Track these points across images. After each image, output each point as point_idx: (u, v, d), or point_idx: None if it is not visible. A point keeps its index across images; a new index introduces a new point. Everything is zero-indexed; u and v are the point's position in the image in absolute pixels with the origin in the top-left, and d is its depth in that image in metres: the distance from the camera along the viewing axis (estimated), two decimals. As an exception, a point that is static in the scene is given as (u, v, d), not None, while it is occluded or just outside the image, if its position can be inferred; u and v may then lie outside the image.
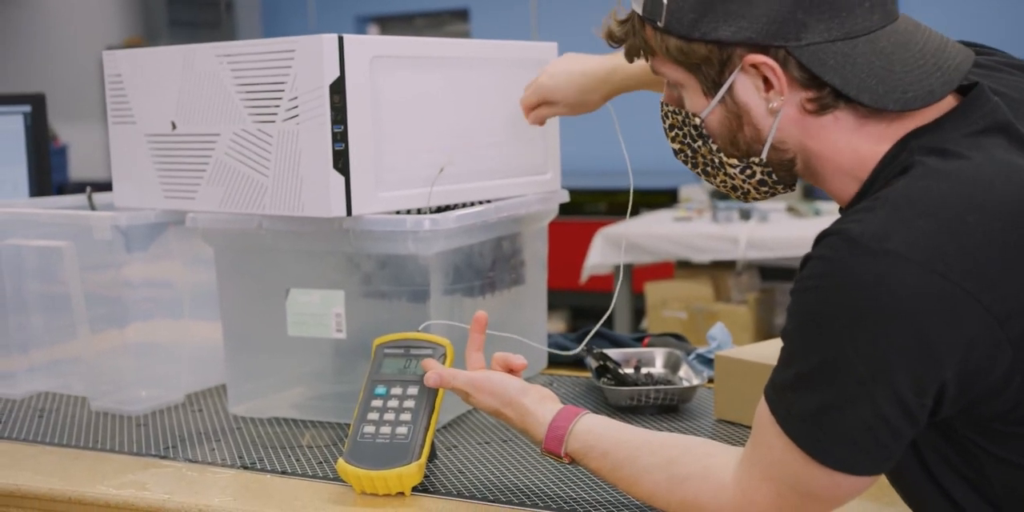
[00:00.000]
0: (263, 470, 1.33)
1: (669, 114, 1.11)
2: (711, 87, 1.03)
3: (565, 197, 1.74)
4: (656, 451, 1.09)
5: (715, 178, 1.11)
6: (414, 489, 1.24)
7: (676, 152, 1.13)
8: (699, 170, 1.12)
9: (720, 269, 4.40)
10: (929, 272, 0.87)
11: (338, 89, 1.38)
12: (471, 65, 1.58)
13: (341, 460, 1.24)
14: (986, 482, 0.97)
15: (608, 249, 4.18)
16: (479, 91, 1.58)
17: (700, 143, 1.08)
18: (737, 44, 0.99)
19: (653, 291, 4.50)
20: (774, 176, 1.07)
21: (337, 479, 1.28)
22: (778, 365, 0.97)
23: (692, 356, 1.71)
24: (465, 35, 7.47)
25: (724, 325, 1.75)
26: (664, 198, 5.40)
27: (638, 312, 4.72)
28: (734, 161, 1.07)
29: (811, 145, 1.02)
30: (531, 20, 7.04)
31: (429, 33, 7.80)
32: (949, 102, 1.00)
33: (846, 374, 0.89)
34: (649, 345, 1.78)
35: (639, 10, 1.04)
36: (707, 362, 1.68)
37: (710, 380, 1.60)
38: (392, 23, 7.95)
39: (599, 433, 1.14)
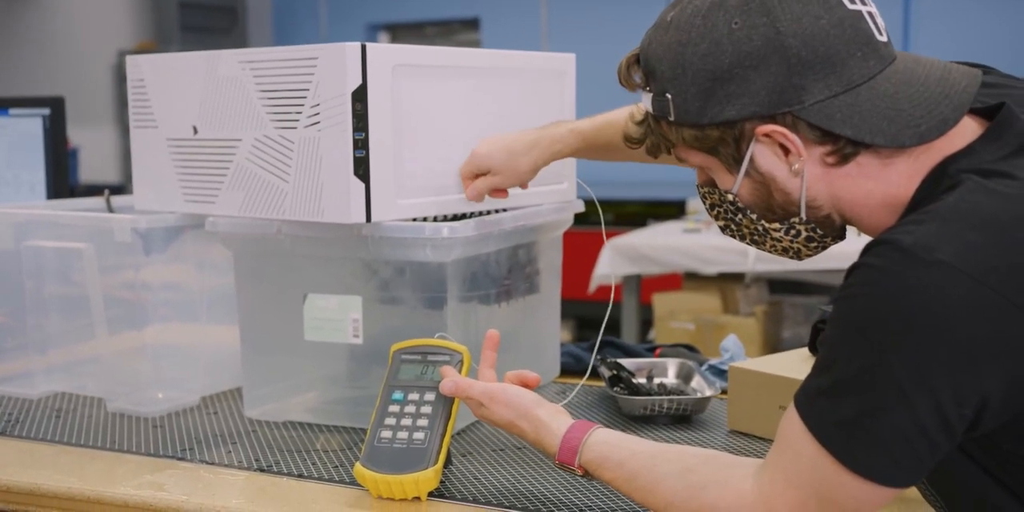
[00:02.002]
0: (279, 473, 1.34)
1: (707, 195, 1.14)
2: (733, 164, 1.07)
3: (580, 207, 1.76)
4: (673, 459, 1.09)
5: (764, 245, 1.14)
6: (430, 494, 1.25)
7: (723, 228, 1.16)
8: (748, 241, 1.15)
9: (728, 281, 4.41)
10: (979, 284, 0.88)
11: (360, 97, 1.39)
12: (491, 75, 1.59)
13: (358, 464, 1.25)
14: None
15: (617, 259, 4.19)
16: (498, 100, 1.60)
17: (740, 216, 1.11)
18: (745, 120, 1.02)
19: (661, 302, 4.51)
20: (819, 231, 1.09)
21: (353, 483, 1.29)
22: (813, 372, 0.97)
23: (704, 367, 1.72)
24: (475, 44, 7.50)
25: (736, 337, 1.75)
26: (672, 209, 5.41)
27: (646, 323, 4.72)
28: (776, 225, 1.10)
29: (843, 195, 1.05)
30: (541, 29, 7.06)
31: (439, 41, 7.82)
32: (974, 127, 1.02)
33: (888, 381, 0.90)
34: (661, 355, 1.79)
35: (651, 110, 1.09)
36: (719, 373, 1.69)
37: (723, 391, 1.60)
38: (402, 31, 7.97)
39: (614, 444, 1.15)
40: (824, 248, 1.13)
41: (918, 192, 1.00)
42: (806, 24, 0.99)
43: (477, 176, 1.52)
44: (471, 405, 1.26)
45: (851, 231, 1.13)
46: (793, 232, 1.10)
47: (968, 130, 1.01)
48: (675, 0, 1.07)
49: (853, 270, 0.96)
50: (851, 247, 1.09)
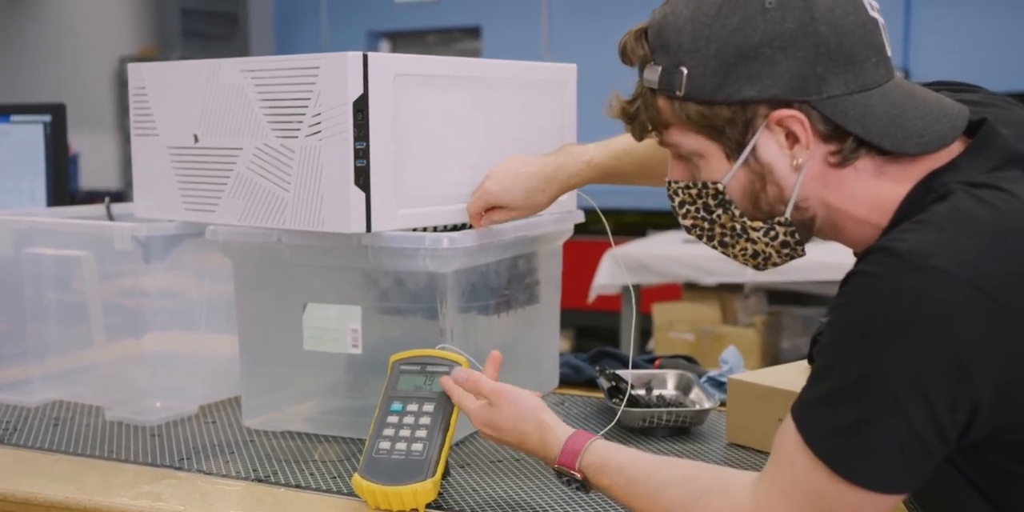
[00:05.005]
0: (276, 483, 1.34)
1: (679, 191, 1.12)
2: (734, 149, 1.06)
3: (580, 217, 1.76)
4: (674, 467, 1.10)
5: (734, 247, 1.13)
6: (427, 506, 1.24)
7: (690, 228, 1.14)
8: (715, 242, 1.14)
9: (728, 291, 4.41)
10: (974, 289, 0.89)
11: (361, 106, 1.39)
12: (492, 85, 1.59)
13: (356, 475, 1.25)
14: (1015, 507, 0.98)
15: (616, 269, 4.19)
16: (499, 110, 1.60)
17: (720, 212, 1.10)
18: (762, 102, 1.02)
19: (660, 312, 4.51)
20: (796, 236, 1.09)
21: (350, 494, 1.29)
22: (810, 381, 0.98)
23: (704, 379, 1.71)
24: (476, 52, 7.51)
25: (736, 348, 1.75)
26: (671, 219, 5.39)
27: (645, 333, 4.72)
28: (759, 224, 1.09)
29: (832, 200, 1.05)
30: (542, 38, 7.07)
31: (440, 50, 7.83)
32: (957, 144, 1.04)
33: (883, 388, 0.91)
34: (660, 367, 1.79)
35: (654, 84, 1.07)
36: (719, 385, 1.68)
37: (722, 403, 1.60)
38: (404, 39, 7.98)
39: (616, 449, 1.15)
40: (791, 258, 1.12)
41: (904, 204, 1.01)
42: (839, 16, 1.01)
43: (489, 208, 1.49)
44: (472, 413, 1.25)
45: (832, 244, 1.13)
46: (772, 234, 1.09)
47: (951, 146, 1.03)
48: None
49: (849, 277, 0.97)
50: (851, 259, 1.09)
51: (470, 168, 1.54)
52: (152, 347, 1.62)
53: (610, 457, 1.14)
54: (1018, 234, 0.92)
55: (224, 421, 1.62)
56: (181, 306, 1.66)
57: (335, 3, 7.90)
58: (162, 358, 1.63)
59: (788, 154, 1.04)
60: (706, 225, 1.12)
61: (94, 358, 1.65)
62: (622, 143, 1.48)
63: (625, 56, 1.11)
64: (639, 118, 1.11)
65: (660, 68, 1.06)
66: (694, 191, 1.10)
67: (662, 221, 5.44)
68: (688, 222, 1.14)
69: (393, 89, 1.42)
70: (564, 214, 1.71)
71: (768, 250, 1.11)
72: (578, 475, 1.15)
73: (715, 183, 1.08)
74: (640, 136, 1.14)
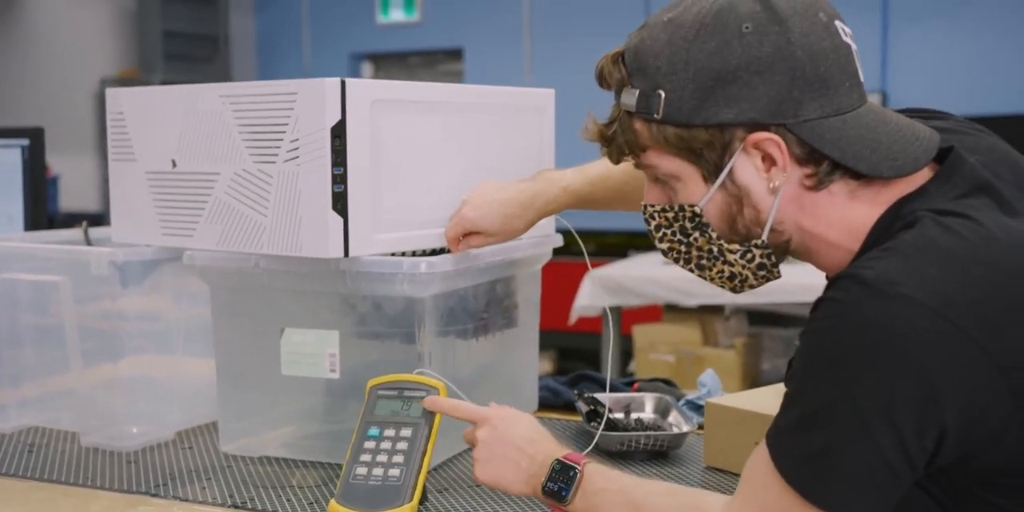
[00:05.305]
0: (253, 509, 1.33)
1: (655, 215, 1.13)
2: (712, 172, 1.06)
3: (559, 241, 1.76)
4: (656, 483, 1.14)
5: (711, 270, 1.13)
6: (405, 532, 1.24)
7: (666, 252, 1.15)
8: (692, 266, 1.14)
9: (708, 313, 4.42)
10: (940, 317, 0.90)
11: (339, 132, 1.39)
12: (471, 110, 1.60)
13: (333, 501, 1.25)
14: None
15: (597, 291, 4.20)
16: (478, 135, 1.60)
17: (696, 235, 1.10)
18: (739, 125, 1.03)
19: (641, 334, 4.52)
20: (772, 258, 1.10)
21: (327, 520, 1.28)
22: (782, 407, 0.99)
23: (682, 402, 1.72)
24: (458, 74, 7.53)
25: (714, 371, 1.76)
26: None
27: (626, 354, 4.73)
28: (735, 246, 1.09)
29: (806, 223, 1.06)
30: (524, 60, 7.11)
31: (423, 72, 7.86)
32: (925, 171, 1.05)
33: (851, 414, 0.91)
34: (639, 390, 1.79)
35: (631, 107, 1.07)
36: (697, 408, 1.69)
37: (700, 426, 1.61)
38: (386, 61, 8.01)
39: (609, 467, 1.17)
40: (767, 280, 1.13)
41: (874, 230, 1.03)
42: (813, 41, 1.02)
43: (467, 234, 1.49)
44: (468, 434, 1.25)
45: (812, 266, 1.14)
46: (749, 256, 1.10)
47: (922, 172, 1.04)
48: (673, 3, 1.08)
49: (818, 304, 0.98)
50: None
51: (448, 193, 1.54)
52: (129, 372, 1.61)
53: (606, 470, 1.16)
54: (983, 263, 0.93)
55: (201, 446, 1.61)
56: (158, 330, 1.65)
57: (317, 25, 7.92)
58: (139, 383, 1.63)
59: (765, 177, 1.05)
60: (683, 248, 1.13)
61: (70, 383, 1.64)
62: (598, 169, 1.49)
63: (602, 80, 1.12)
64: (616, 141, 1.12)
65: (638, 91, 1.07)
66: (671, 214, 1.11)
67: (643, 242, 5.45)
68: (665, 245, 1.14)
69: (371, 115, 1.43)
70: (542, 238, 1.72)
71: (745, 272, 1.11)
72: (579, 466, 1.15)
73: (692, 206, 1.09)
74: (617, 159, 1.15)
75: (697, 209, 1.09)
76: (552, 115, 1.73)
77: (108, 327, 1.61)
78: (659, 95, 1.05)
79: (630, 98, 1.07)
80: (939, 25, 5.82)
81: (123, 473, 1.48)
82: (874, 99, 1.07)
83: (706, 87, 1.02)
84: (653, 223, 1.14)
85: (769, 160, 1.04)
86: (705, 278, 1.15)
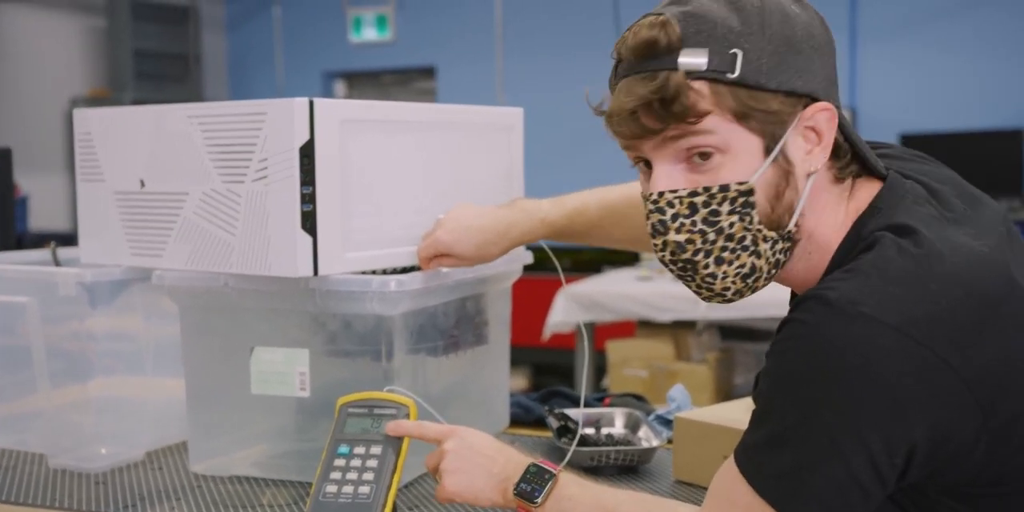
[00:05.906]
0: (223, 530, 1.33)
1: (674, 202, 1.03)
2: (771, 143, 1.01)
3: (529, 259, 1.77)
4: (630, 493, 1.15)
5: (730, 265, 1.03)
6: (375, 550, 1.24)
7: (681, 245, 1.03)
8: (710, 259, 1.03)
9: (681, 328, 4.44)
10: (902, 335, 0.91)
11: (307, 152, 1.40)
12: (440, 129, 1.61)
13: (302, 520, 1.25)
14: None
15: (571, 307, 4.21)
16: (447, 154, 1.61)
17: (734, 220, 1.02)
18: (804, 96, 1.02)
19: (615, 349, 4.53)
20: (785, 255, 1.06)
21: (298, 539, 1.28)
22: (750, 426, 1.00)
23: (652, 417, 1.73)
24: (431, 92, 7.56)
25: (684, 386, 1.77)
26: (626, 256, 5.45)
27: (600, 370, 4.74)
28: (773, 234, 1.03)
29: (809, 221, 1.06)
30: (496, 78, 7.14)
31: (396, 90, 7.88)
32: (872, 187, 1.08)
33: (820, 433, 0.93)
34: (610, 405, 1.80)
35: (701, 66, 0.99)
36: (667, 423, 1.70)
37: (669, 441, 1.62)
38: (359, 80, 8.02)
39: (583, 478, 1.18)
40: (767, 283, 1.08)
41: (839, 251, 1.04)
42: (831, 38, 1.07)
43: (439, 255, 1.49)
44: (432, 457, 1.25)
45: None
46: (778, 247, 1.04)
47: (868, 187, 1.08)
48: None
49: (784, 325, 0.99)
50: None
51: (417, 211, 1.55)
52: (98, 392, 1.60)
53: (579, 478, 1.18)
54: (939, 279, 0.95)
55: (171, 467, 1.60)
56: (128, 350, 1.65)
57: (290, 44, 7.93)
58: (108, 403, 1.62)
59: (806, 157, 1.03)
60: (707, 237, 1.02)
61: (38, 405, 1.63)
62: (575, 202, 1.48)
63: (647, 46, 1.00)
64: (671, 105, 0.99)
65: (707, 50, 0.99)
66: (701, 198, 1.02)
67: (618, 258, 5.48)
68: (682, 237, 1.03)
69: (339, 134, 1.43)
70: (513, 255, 1.73)
71: (765, 267, 1.05)
72: (555, 472, 1.16)
73: (741, 183, 1.01)
74: (651, 129, 1.02)
75: (747, 186, 1.01)
76: (521, 134, 1.74)
77: (77, 348, 1.60)
78: (735, 54, 0.99)
79: (697, 57, 0.99)
80: (906, 43, 5.90)
81: (92, 494, 1.47)
82: (844, 115, 1.10)
83: (780, 52, 1.00)
84: (669, 212, 1.03)
85: (815, 138, 1.03)
86: (714, 277, 1.04)
